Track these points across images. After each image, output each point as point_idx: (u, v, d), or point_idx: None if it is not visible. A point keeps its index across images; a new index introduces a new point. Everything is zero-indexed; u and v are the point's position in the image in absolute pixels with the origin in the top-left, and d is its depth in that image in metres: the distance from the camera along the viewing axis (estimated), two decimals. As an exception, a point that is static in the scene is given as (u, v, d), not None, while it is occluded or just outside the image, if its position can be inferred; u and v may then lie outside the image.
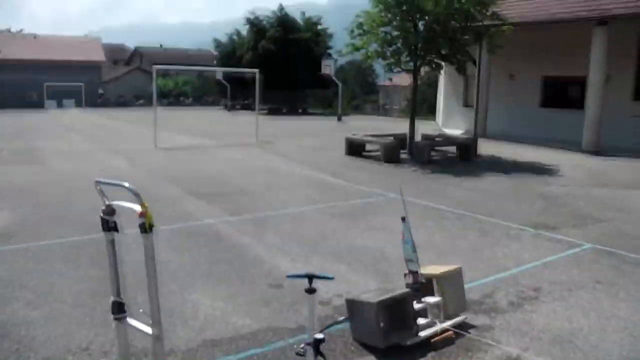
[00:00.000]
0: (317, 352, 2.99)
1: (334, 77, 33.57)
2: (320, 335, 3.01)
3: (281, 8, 40.82)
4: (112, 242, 2.83)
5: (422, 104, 44.00)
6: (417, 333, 3.66)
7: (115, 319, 2.84)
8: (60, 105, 51.70)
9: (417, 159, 13.30)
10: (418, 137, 15.55)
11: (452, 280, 4.02)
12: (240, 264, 5.40)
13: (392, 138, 14.45)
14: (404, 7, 13.11)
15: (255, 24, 41.29)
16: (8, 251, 5.78)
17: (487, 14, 14.11)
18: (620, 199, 9.27)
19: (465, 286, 4.33)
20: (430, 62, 14.04)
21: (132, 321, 2.80)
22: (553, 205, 8.53)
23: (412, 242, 3.88)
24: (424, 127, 24.84)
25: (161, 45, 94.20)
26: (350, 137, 14.68)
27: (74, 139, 19.32)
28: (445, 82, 27.14)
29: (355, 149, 14.29)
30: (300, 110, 42.45)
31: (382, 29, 13.76)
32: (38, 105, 51.37)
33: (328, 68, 32.50)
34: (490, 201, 8.75)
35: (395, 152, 13.20)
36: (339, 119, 31.16)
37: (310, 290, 2.97)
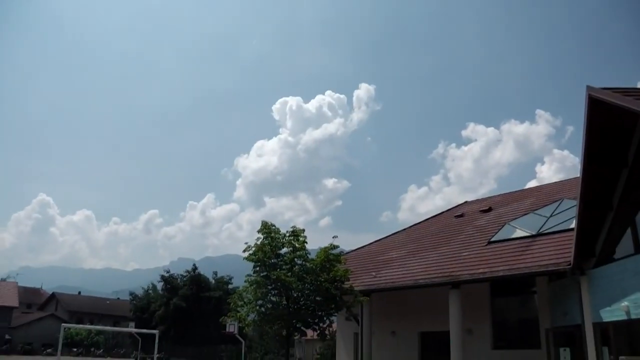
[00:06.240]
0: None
1: (237, 335, 34.84)
2: None
3: (195, 268, 43.77)
4: None
5: (331, 358, 45.37)
6: None
7: None
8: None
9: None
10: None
11: None
12: None
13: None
14: (273, 285, 15.85)
15: (169, 282, 43.65)
16: None
17: (345, 287, 17.05)
18: None
19: None
20: (298, 329, 16.39)
21: None
22: None
23: None
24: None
25: (79, 292, 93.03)
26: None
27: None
28: (338, 340, 29.27)
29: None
30: (210, 366, 42.59)
31: (259, 301, 16.27)
32: None
33: (232, 326, 33.59)
34: None
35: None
36: (241, 375, 31.88)
37: None
